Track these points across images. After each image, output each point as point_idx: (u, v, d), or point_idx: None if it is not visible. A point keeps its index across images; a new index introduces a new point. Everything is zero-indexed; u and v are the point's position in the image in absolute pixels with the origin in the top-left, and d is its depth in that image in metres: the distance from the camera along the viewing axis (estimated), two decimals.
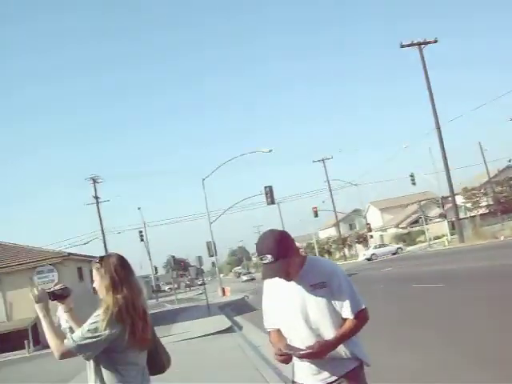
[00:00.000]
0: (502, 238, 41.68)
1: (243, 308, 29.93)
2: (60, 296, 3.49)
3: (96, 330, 3.14)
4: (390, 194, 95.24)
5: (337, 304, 3.26)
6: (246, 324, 21.53)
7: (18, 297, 24.39)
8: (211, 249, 44.95)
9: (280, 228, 3.59)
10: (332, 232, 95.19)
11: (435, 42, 47.46)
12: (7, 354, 23.14)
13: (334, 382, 3.30)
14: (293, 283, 3.30)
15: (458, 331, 10.36)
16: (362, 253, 65.93)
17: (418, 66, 47.65)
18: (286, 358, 3.30)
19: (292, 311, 3.31)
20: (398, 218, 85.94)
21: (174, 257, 53.73)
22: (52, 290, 3.47)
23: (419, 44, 47.71)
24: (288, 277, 3.26)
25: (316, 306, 3.25)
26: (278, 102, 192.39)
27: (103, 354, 3.20)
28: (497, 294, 13.47)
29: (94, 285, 3.42)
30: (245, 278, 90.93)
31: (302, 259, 3.32)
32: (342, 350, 3.28)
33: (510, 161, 67.35)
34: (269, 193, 48.56)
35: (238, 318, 24.52)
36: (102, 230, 52.11)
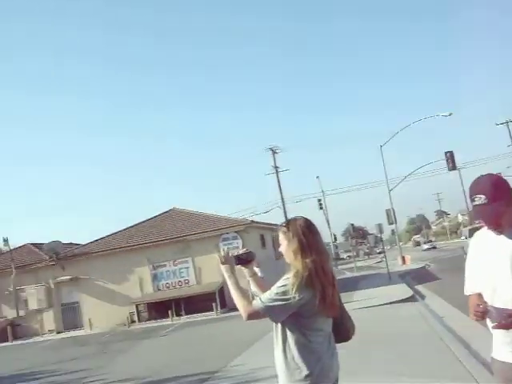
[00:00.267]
0: None
1: (425, 277, 29.07)
2: (244, 260, 3.53)
3: (285, 293, 3.10)
4: None
5: None
6: (428, 293, 20.87)
7: (205, 262, 25.98)
8: (390, 216, 43.97)
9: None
10: None
11: None
12: (198, 314, 24.83)
13: None
14: (503, 237, 2.92)
15: None
16: None
17: None
18: (483, 313, 2.89)
19: (498, 270, 2.92)
20: None
21: (352, 225, 53.40)
22: (236, 254, 3.51)
23: None
24: (498, 227, 2.91)
25: None
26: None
27: (291, 318, 3.16)
28: None
29: (281, 249, 3.39)
30: (426, 246, 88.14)
31: None
32: None
33: None
34: (449, 158, 46.19)
35: (419, 287, 23.84)
36: (282, 199, 53.27)
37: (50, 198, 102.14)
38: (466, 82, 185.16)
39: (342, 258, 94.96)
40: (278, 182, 53.31)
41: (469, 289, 3.17)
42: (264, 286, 3.55)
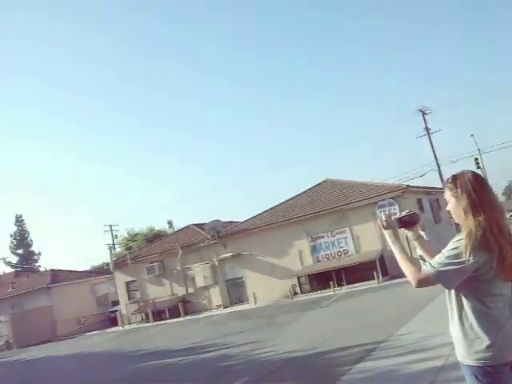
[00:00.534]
0: None
1: None
2: (407, 223, 3.22)
3: (458, 255, 2.77)
4: None
5: None
6: None
7: (363, 231, 25.62)
8: None
9: None
10: None
11: None
12: (359, 284, 24.55)
13: None
14: None
15: None
16: None
17: None
18: None
19: None
20: None
21: None
22: (399, 216, 3.22)
23: None
24: None
25: None
26: None
27: (465, 283, 2.81)
28: None
29: (448, 208, 3.03)
30: None
31: None
32: None
33: None
34: None
35: None
36: (436, 161, 51.08)
37: (204, 179, 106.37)
38: None
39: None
40: (431, 143, 51.04)
41: None
42: (431, 249, 3.24)
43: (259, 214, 32.11)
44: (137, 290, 34.59)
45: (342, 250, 27.72)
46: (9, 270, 58.27)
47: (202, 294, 31.63)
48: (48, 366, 22.24)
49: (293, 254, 28.72)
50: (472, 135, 53.74)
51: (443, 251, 2.86)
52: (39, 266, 68.36)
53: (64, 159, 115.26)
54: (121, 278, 35.46)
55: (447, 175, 3.17)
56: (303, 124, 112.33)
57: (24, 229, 75.92)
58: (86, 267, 60.41)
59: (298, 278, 27.91)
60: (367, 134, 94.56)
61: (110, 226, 54.30)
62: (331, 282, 25.52)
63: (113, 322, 36.12)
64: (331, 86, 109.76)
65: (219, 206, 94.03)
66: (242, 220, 33.39)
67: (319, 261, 28.24)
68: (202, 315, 29.13)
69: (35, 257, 74.94)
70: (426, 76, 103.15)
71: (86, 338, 32.84)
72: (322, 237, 28.17)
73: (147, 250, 35.82)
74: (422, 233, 3.29)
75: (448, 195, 3.00)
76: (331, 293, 24.66)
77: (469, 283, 2.82)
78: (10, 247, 74.15)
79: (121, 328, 32.85)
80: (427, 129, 51.22)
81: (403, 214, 3.25)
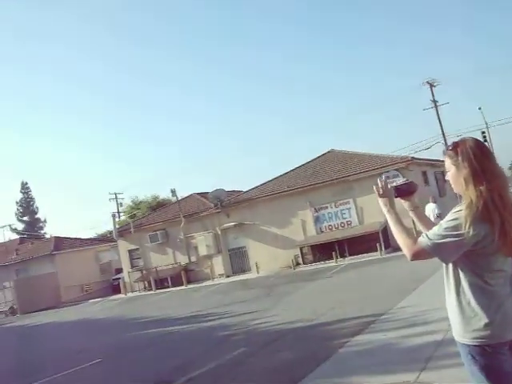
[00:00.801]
0: None
1: None
2: (405, 192, 3.03)
3: (457, 227, 2.58)
4: None
5: None
6: None
7: (367, 202, 25.43)
8: None
9: None
10: None
11: None
12: (362, 255, 24.48)
13: None
14: None
15: None
16: None
17: None
18: None
19: None
20: None
21: None
22: (396, 185, 3.03)
23: None
24: None
25: None
26: None
27: (464, 257, 2.62)
28: None
29: (448, 177, 2.82)
30: None
31: None
32: None
33: None
34: None
35: None
36: (443, 134, 50.62)
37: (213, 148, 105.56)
38: None
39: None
40: (438, 116, 50.56)
41: None
42: (429, 221, 3.05)
43: (263, 184, 31.95)
44: (140, 258, 34.67)
45: (345, 221, 27.60)
46: (14, 236, 58.46)
47: (204, 262, 31.66)
48: (49, 331, 22.43)
49: (296, 224, 28.63)
50: (480, 108, 53.20)
51: (441, 222, 2.67)
52: (45, 233, 68.81)
53: (70, 123, 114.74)
54: (124, 246, 35.53)
55: None
56: (316, 93, 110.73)
57: (30, 196, 76.17)
58: (92, 235, 60.69)
59: (301, 249, 27.86)
60: (377, 103, 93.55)
61: (115, 193, 54.43)
62: (334, 253, 25.49)
63: (116, 289, 36.33)
64: (343, 54, 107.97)
65: (226, 175, 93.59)
66: (246, 190, 33.26)
67: (322, 231, 28.14)
68: (204, 284, 29.21)
69: (41, 224, 75.36)
70: (437, 48, 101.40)
71: (90, 304, 33.10)
72: (326, 207, 28.03)
73: (150, 219, 35.83)
74: (434, 205, 3.12)
75: (448, 163, 2.79)
76: (334, 264, 24.63)
77: (467, 257, 2.64)
78: (16, 214, 74.51)
79: (123, 296, 33.04)
80: (434, 101, 50.68)
81: (400, 182, 3.06)
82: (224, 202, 31.11)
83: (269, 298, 17.47)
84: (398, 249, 2.94)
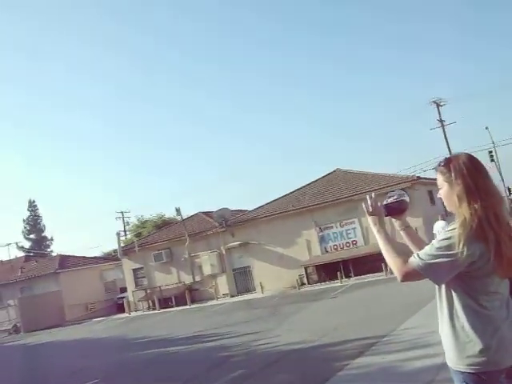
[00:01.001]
0: None
1: None
2: (395, 210, 2.89)
3: (450, 247, 2.44)
4: None
5: None
6: None
7: None
8: None
9: None
10: None
11: None
12: (367, 275, 24.25)
13: None
14: None
15: None
16: None
17: None
18: None
19: None
20: None
21: None
22: (386, 203, 2.89)
23: None
24: None
25: None
26: None
27: (457, 278, 2.48)
28: None
29: (440, 194, 2.70)
30: None
31: None
32: None
33: None
34: None
35: None
36: (450, 153, 50.67)
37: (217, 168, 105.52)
38: None
39: None
40: (445, 135, 50.54)
41: None
42: (420, 241, 2.91)
43: (268, 203, 31.84)
44: (144, 277, 34.50)
45: (350, 240, 27.40)
46: (20, 254, 58.46)
47: (208, 282, 31.45)
48: (51, 350, 22.27)
49: (301, 244, 28.44)
50: (487, 128, 53.01)
51: (434, 241, 2.53)
52: (51, 251, 68.73)
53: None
54: (128, 265, 35.38)
55: None
56: (316, 120, 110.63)
57: (37, 214, 76.29)
58: (97, 253, 60.59)
59: (306, 269, 27.66)
60: (380, 127, 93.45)
61: (122, 212, 54.48)
62: (339, 273, 25.26)
63: (120, 308, 36.10)
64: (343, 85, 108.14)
65: (229, 196, 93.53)
66: (251, 209, 33.12)
67: (327, 251, 27.94)
68: (208, 303, 28.97)
69: (47, 242, 75.34)
70: (436, 73, 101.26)
71: (93, 323, 32.89)
72: (331, 227, 27.87)
73: (155, 237, 35.70)
74: (443, 222, 2.97)
75: (440, 180, 2.66)
76: (339, 284, 24.40)
77: (461, 279, 2.50)
78: (23, 232, 74.56)
79: (127, 315, 32.82)
80: (441, 121, 50.65)
81: (390, 200, 2.92)
82: (229, 222, 30.98)
83: (272, 319, 17.27)
84: None
